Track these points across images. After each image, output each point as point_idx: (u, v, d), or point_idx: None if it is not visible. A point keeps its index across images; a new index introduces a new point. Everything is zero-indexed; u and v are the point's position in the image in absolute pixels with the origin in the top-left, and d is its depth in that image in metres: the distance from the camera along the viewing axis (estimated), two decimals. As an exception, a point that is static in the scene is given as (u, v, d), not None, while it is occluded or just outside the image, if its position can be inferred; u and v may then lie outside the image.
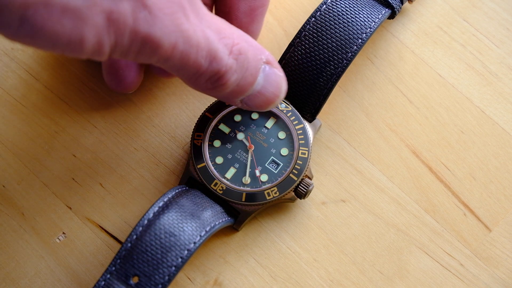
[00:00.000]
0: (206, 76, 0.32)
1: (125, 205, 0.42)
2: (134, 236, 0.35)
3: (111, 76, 0.40)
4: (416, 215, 0.42)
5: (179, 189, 0.39)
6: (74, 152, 0.43)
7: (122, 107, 0.44)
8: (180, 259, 0.35)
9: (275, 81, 0.35)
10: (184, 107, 0.44)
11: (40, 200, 0.42)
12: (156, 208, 0.36)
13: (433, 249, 0.41)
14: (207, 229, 0.37)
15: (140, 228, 0.35)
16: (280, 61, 0.40)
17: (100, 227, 0.42)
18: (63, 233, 0.42)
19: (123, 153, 0.43)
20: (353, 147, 0.43)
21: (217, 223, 0.38)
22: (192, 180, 0.40)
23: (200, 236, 0.36)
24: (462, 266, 0.41)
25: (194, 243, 0.35)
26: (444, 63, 0.45)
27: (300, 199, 0.39)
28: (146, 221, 0.36)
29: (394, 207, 0.42)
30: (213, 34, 0.31)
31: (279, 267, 0.41)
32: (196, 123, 0.40)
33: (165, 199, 0.37)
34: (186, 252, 0.35)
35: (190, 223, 0.36)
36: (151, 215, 0.36)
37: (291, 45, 0.40)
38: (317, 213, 0.42)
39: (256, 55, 0.34)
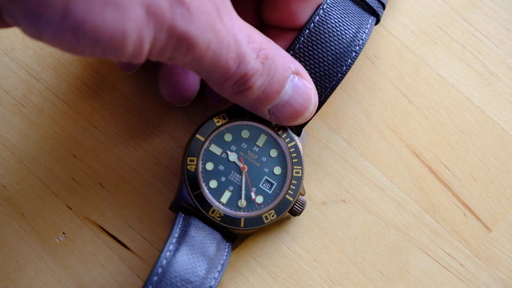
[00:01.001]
0: (233, 79, 0.32)
1: (125, 205, 0.42)
2: (150, 287, 0.34)
3: (169, 86, 0.39)
4: (416, 215, 0.42)
5: (181, 223, 0.38)
6: (74, 152, 0.43)
7: (122, 107, 0.44)
8: None
9: (304, 92, 0.35)
10: (185, 107, 0.44)
11: (40, 200, 0.42)
12: (168, 253, 0.35)
13: (433, 249, 0.41)
14: (219, 268, 0.36)
15: (155, 278, 0.34)
16: None
17: (100, 227, 0.42)
18: (63, 233, 0.42)
19: (123, 153, 0.43)
20: (353, 147, 0.43)
21: (224, 258, 0.37)
22: (185, 205, 0.38)
23: (215, 279, 0.35)
24: (462, 266, 0.41)
25: (211, 287, 0.35)
26: (444, 63, 0.45)
27: (294, 216, 0.39)
28: (160, 269, 0.35)
29: (394, 207, 0.42)
30: (243, 37, 0.31)
31: (279, 267, 0.41)
32: (186, 147, 0.38)
33: (173, 241, 0.36)
34: None
35: (202, 265, 0.35)
36: (164, 262, 0.35)
37: None
38: (317, 213, 0.42)
39: (285, 63, 0.34)
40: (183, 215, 0.38)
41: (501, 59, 0.45)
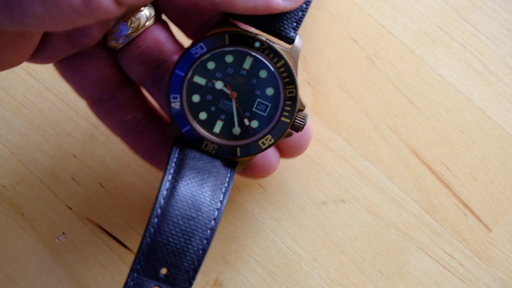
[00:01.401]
0: None
1: (125, 205, 0.42)
2: (152, 230, 0.33)
3: None
4: (416, 215, 0.42)
5: (176, 156, 0.36)
6: (74, 152, 0.43)
7: (122, 107, 0.44)
8: (205, 241, 0.34)
9: None
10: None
11: (40, 200, 0.42)
12: (165, 192, 0.34)
13: (433, 249, 0.41)
14: (223, 191, 0.35)
15: (156, 220, 0.33)
16: None
17: (100, 227, 0.42)
18: (63, 233, 0.42)
19: (123, 153, 0.43)
20: (353, 147, 0.43)
21: (227, 182, 0.36)
22: (179, 138, 0.37)
23: (218, 210, 0.34)
24: (462, 266, 0.41)
25: (215, 219, 0.34)
26: (444, 63, 0.45)
27: (297, 132, 0.37)
28: (159, 211, 0.34)
29: (394, 207, 0.42)
30: None
31: (279, 267, 0.41)
32: (168, 83, 0.36)
33: (169, 178, 0.35)
34: (209, 232, 0.34)
35: (204, 196, 0.34)
36: (162, 201, 0.34)
37: None
38: (317, 213, 0.42)
39: None
40: (178, 148, 0.36)
41: (502, 59, 0.45)
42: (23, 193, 0.42)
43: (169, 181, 0.34)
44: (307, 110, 0.44)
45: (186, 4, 0.37)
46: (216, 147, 0.36)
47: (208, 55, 0.36)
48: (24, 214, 0.42)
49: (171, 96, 0.36)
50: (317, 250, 0.41)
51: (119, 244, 0.41)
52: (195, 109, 0.36)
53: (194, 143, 0.36)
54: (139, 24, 0.36)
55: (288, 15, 0.36)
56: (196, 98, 0.36)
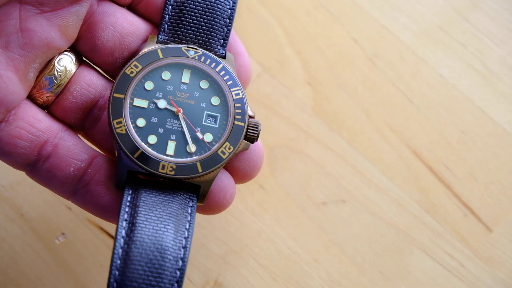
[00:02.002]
0: None
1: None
2: (117, 273, 0.31)
3: None
4: (417, 216, 0.42)
5: (129, 200, 0.34)
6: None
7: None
8: (176, 284, 0.31)
9: None
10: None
11: (40, 200, 0.42)
12: (122, 240, 0.31)
13: (434, 250, 0.41)
14: (187, 226, 0.33)
15: (117, 273, 0.31)
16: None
17: (100, 228, 0.42)
18: (63, 233, 0.42)
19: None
20: (353, 147, 0.43)
21: (189, 217, 0.34)
22: (132, 174, 0.34)
23: (184, 248, 0.32)
24: (462, 266, 0.41)
25: (182, 258, 0.32)
26: (444, 63, 0.45)
27: (253, 143, 0.35)
28: (118, 261, 0.31)
29: (395, 207, 0.42)
30: None
31: (279, 268, 0.41)
32: (108, 109, 0.34)
33: (123, 224, 0.32)
34: (178, 273, 0.31)
35: (166, 234, 0.32)
36: (120, 251, 0.31)
37: None
38: (317, 213, 0.42)
39: None
40: (130, 189, 0.34)
41: (502, 59, 0.45)
42: (23, 193, 0.42)
43: (124, 228, 0.32)
44: (309, 111, 0.44)
45: (104, 44, 0.35)
46: (174, 167, 0.34)
47: (144, 73, 0.35)
48: (24, 214, 0.42)
49: (114, 121, 0.34)
50: (317, 250, 0.41)
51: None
52: (142, 133, 0.34)
53: (150, 167, 0.33)
54: (66, 70, 0.34)
55: (214, 33, 0.36)
56: (141, 122, 0.34)
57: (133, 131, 0.34)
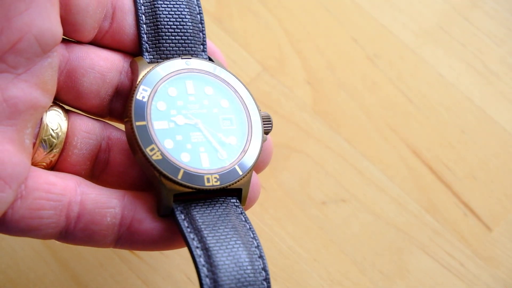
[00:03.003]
0: None
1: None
2: None
3: None
4: (417, 215, 0.42)
5: (187, 226, 0.33)
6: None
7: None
8: (265, 283, 0.31)
9: None
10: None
11: (40, 200, 0.42)
12: (205, 268, 0.31)
13: (434, 249, 0.41)
14: (252, 235, 0.32)
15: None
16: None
17: (100, 227, 0.42)
18: (63, 233, 0.42)
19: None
20: (353, 147, 0.43)
21: (245, 221, 0.33)
22: (177, 197, 0.34)
23: (257, 248, 0.32)
24: (462, 266, 0.41)
25: (265, 280, 0.31)
26: (444, 63, 0.45)
27: (267, 134, 0.35)
28: (209, 281, 0.30)
29: (395, 207, 0.42)
30: None
31: (279, 267, 0.41)
32: (136, 140, 0.33)
33: (198, 252, 0.31)
34: (264, 273, 0.31)
35: (240, 246, 0.31)
36: (205, 273, 0.31)
37: None
38: (317, 213, 0.42)
39: None
40: (182, 215, 0.33)
41: (502, 58, 0.45)
42: (23, 193, 0.42)
43: (200, 256, 0.31)
44: (309, 110, 0.44)
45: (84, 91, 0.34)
46: (218, 177, 0.33)
47: (153, 95, 0.34)
48: (24, 214, 0.42)
49: (147, 149, 0.33)
50: (317, 250, 0.41)
51: (119, 244, 0.41)
52: (175, 154, 0.34)
53: (196, 184, 0.33)
54: (59, 125, 0.33)
55: (193, 41, 0.36)
56: (169, 143, 0.34)
57: (168, 153, 0.33)
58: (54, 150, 0.33)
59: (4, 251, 0.41)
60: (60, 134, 0.33)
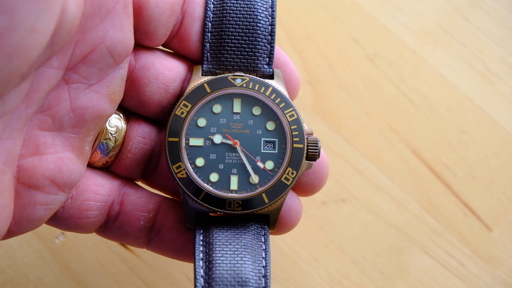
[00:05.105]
0: None
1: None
2: None
3: None
4: (417, 215, 0.42)
5: (202, 241, 0.33)
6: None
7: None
8: None
9: None
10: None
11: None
12: (202, 279, 0.31)
13: (434, 249, 0.41)
14: (263, 255, 0.33)
15: None
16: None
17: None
18: (62, 233, 0.42)
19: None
20: (353, 146, 0.43)
21: (263, 242, 0.34)
22: (200, 214, 0.34)
23: (264, 277, 0.32)
24: (462, 266, 0.41)
25: (265, 276, 0.32)
26: (445, 63, 0.45)
27: (315, 160, 0.34)
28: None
29: (395, 207, 0.42)
30: None
31: (279, 267, 0.41)
32: (165, 156, 0.33)
33: (201, 263, 0.32)
34: None
35: (245, 265, 0.32)
36: (201, 284, 0.31)
37: None
38: (317, 213, 0.42)
39: None
40: (201, 230, 0.34)
41: (502, 58, 0.45)
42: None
43: (201, 267, 0.32)
44: (309, 110, 0.44)
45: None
46: (240, 202, 0.33)
47: (194, 111, 0.34)
48: (24, 214, 0.42)
49: (174, 166, 0.33)
50: (317, 249, 0.41)
51: (119, 244, 0.41)
52: (203, 173, 0.34)
53: (216, 207, 0.33)
54: (118, 130, 0.34)
55: (257, 53, 0.35)
56: (200, 161, 0.34)
57: (193, 173, 0.33)
58: (111, 153, 0.34)
59: (4, 251, 0.41)
60: (118, 138, 0.34)
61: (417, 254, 0.41)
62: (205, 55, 0.35)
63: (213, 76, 0.34)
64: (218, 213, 0.33)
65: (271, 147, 0.34)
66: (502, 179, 0.42)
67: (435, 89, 0.44)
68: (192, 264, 0.38)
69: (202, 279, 0.31)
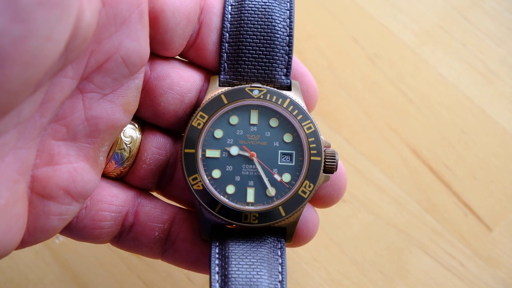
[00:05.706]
0: None
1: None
2: None
3: None
4: (417, 215, 0.42)
5: (218, 254, 0.33)
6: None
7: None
8: None
9: None
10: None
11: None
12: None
13: (434, 249, 0.41)
14: (279, 269, 0.32)
15: None
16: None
17: (100, 227, 0.42)
18: (63, 233, 0.42)
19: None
20: (353, 146, 0.43)
21: (280, 256, 0.33)
22: (216, 226, 0.34)
23: (280, 282, 0.32)
24: (462, 266, 0.41)
25: None
26: (445, 63, 0.45)
27: (333, 173, 0.34)
28: None
29: (395, 207, 0.42)
30: None
31: (279, 267, 0.41)
32: (182, 167, 0.33)
33: (216, 277, 0.32)
34: None
35: (260, 280, 0.31)
36: None
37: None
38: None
39: None
40: (217, 242, 0.33)
41: (502, 58, 0.45)
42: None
43: (217, 281, 0.32)
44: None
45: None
46: (257, 215, 0.33)
47: (211, 122, 0.34)
48: (24, 214, 0.42)
49: (190, 178, 0.33)
50: (317, 249, 0.41)
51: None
52: (220, 185, 0.33)
53: (232, 219, 0.33)
54: (133, 140, 0.34)
55: (275, 64, 0.34)
56: (216, 173, 0.33)
57: (210, 185, 0.33)
58: (125, 164, 0.34)
59: (4, 251, 0.41)
60: (132, 148, 0.34)
61: (417, 254, 0.41)
62: (222, 66, 0.34)
63: (230, 87, 0.34)
64: (234, 225, 0.33)
65: (288, 159, 0.34)
66: (502, 179, 0.42)
67: (435, 89, 0.44)
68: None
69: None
